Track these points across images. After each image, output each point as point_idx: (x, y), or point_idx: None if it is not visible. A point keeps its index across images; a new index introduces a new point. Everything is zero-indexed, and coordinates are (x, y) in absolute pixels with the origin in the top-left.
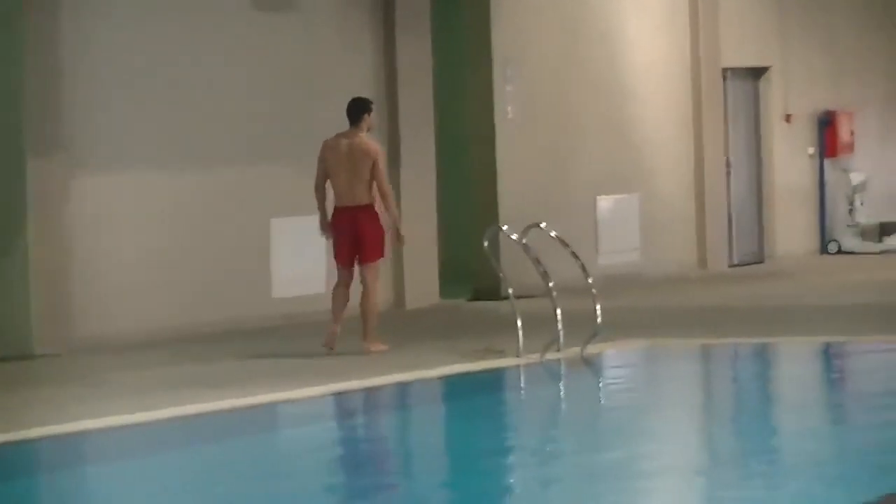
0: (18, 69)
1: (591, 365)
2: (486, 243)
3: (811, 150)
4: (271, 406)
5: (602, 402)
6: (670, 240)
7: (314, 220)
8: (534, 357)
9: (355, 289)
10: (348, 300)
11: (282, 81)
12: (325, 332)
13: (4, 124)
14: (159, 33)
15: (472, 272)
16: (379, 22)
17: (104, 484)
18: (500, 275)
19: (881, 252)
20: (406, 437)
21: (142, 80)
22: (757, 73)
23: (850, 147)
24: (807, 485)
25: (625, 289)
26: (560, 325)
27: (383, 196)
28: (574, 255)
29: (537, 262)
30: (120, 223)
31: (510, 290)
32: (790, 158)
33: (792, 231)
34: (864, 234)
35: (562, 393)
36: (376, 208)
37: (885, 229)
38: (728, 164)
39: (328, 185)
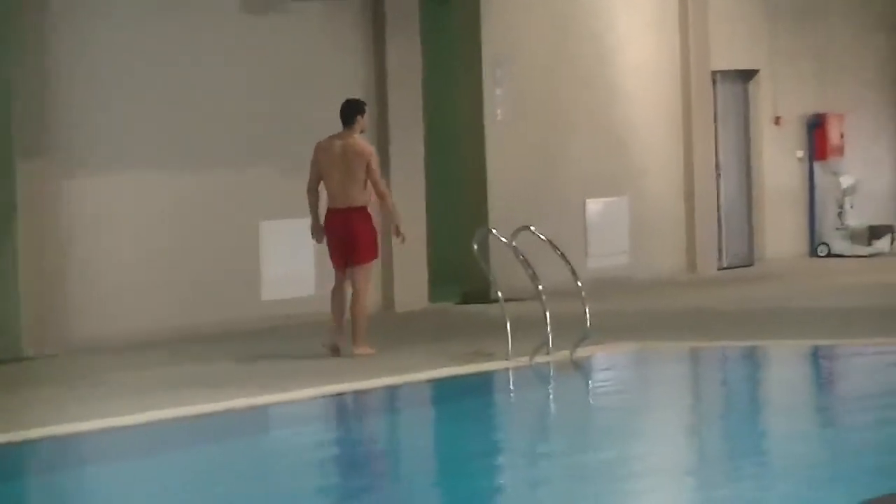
0: (10, 70)
1: (581, 368)
2: (475, 246)
3: (800, 154)
4: (265, 408)
5: (591, 404)
6: (660, 242)
7: (305, 223)
8: (523, 360)
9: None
10: (347, 300)
11: (271, 82)
12: (325, 332)
13: None
14: (157, 34)
15: (461, 275)
16: (368, 22)
17: (104, 484)
18: (490, 277)
19: (870, 255)
20: (398, 439)
21: (139, 80)
22: (746, 75)
23: (840, 150)
24: (796, 486)
25: (614, 292)
26: (549, 328)
27: (381, 196)
28: (563, 257)
29: (527, 264)
30: (119, 223)
31: (499, 293)
32: (780, 161)
33: (781, 234)
34: (854, 237)
35: (551, 396)
36: (369, 210)
37: (874, 232)
38: (717, 167)
39: (321, 187)
